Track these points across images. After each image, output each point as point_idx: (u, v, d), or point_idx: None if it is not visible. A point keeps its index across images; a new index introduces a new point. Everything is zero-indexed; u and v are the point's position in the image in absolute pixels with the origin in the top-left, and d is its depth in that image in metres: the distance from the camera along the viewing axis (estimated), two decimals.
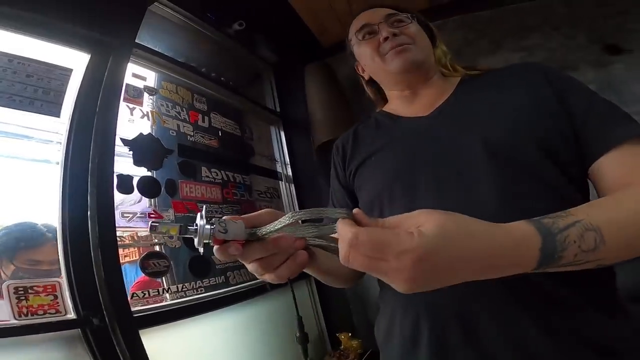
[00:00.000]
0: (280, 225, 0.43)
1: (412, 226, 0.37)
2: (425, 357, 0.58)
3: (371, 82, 0.86)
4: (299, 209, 0.44)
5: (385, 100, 0.86)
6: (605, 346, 0.51)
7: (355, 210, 0.41)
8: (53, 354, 0.90)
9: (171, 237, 0.44)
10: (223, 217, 0.44)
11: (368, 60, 0.77)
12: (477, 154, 0.59)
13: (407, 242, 0.35)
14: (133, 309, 1.10)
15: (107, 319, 0.98)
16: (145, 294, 1.16)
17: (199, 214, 0.43)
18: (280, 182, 2.12)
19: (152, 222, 0.43)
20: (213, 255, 1.44)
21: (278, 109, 2.22)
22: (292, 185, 2.13)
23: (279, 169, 2.14)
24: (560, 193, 0.56)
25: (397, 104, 0.79)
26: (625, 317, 0.56)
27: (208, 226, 0.41)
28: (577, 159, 0.59)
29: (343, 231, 0.38)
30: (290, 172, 2.15)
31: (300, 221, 0.44)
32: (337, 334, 1.85)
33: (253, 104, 2.02)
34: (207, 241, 0.42)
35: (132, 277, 1.24)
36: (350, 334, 1.82)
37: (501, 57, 2.18)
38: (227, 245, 0.43)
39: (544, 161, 0.57)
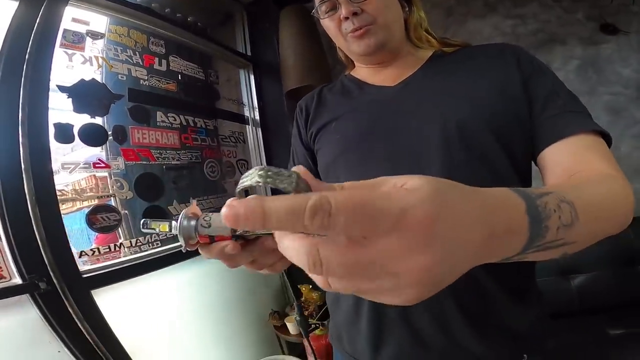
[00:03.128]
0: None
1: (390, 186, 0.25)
2: (366, 327, 0.64)
3: None
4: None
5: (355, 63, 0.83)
6: (516, 331, 0.59)
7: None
8: (7, 320, 0.90)
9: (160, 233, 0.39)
10: (213, 212, 0.38)
11: (331, 35, 0.72)
12: (433, 134, 0.60)
13: (404, 197, 0.22)
14: (84, 267, 1.10)
15: (55, 281, 0.95)
16: (94, 252, 1.15)
17: (184, 211, 0.37)
18: (247, 126, 2.08)
19: (144, 219, 0.40)
20: (170, 205, 1.44)
21: (249, 53, 2.08)
22: (259, 129, 2.09)
23: (247, 113, 2.07)
24: (505, 182, 0.57)
25: (365, 71, 0.77)
26: (537, 302, 0.64)
27: (193, 222, 0.37)
28: (527, 149, 0.60)
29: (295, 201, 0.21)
30: (257, 116, 2.09)
31: None
32: (299, 286, 1.94)
33: (220, 47, 1.87)
34: (193, 239, 0.36)
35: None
36: (311, 286, 1.91)
37: (490, 21, 2.08)
38: (223, 244, 0.37)
39: (497, 149, 0.58)
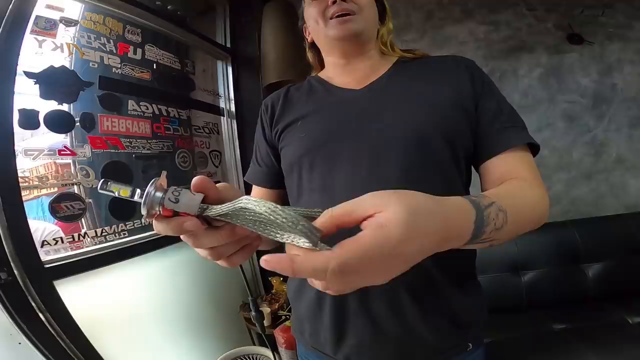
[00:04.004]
0: (233, 207, 0.37)
1: (368, 209, 0.35)
2: (329, 319, 0.68)
3: (313, 47, 0.86)
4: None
5: (323, 66, 0.86)
6: (460, 317, 0.66)
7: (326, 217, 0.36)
8: None
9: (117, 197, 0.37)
10: (182, 188, 0.39)
11: (312, 22, 0.75)
12: (393, 136, 0.65)
13: (389, 234, 0.33)
14: (47, 257, 1.07)
15: (15, 272, 0.94)
16: (57, 241, 1.13)
17: (153, 181, 0.37)
18: (222, 117, 2.07)
19: (104, 179, 0.38)
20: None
21: (228, 44, 2.06)
22: (234, 121, 2.10)
23: (222, 105, 2.06)
24: (452, 183, 0.65)
25: (333, 72, 0.80)
26: (478, 293, 0.72)
27: (159, 194, 0.36)
28: (469, 155, 0.68)
29: (312, 262, 0.33)
30: (233, 108, 2.09)
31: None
32: (270, 278, 1.96)
33: (199, 37, 1.85)
34: (155, 210, 0.37)
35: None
36: (281, 279, 1.93)
37: (466, 27, 2.15)
38: (183, 219, 0.37)
39: (446, 153, 0.64)
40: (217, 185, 0.42)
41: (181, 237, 0.40)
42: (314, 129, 0.72)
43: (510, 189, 0.57)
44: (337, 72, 0.79)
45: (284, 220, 0.34)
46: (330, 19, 0.71)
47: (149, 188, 0.36)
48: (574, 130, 2.09)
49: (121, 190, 0.37)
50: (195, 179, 0.39)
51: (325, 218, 0.35)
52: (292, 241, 0.35)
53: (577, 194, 2.10)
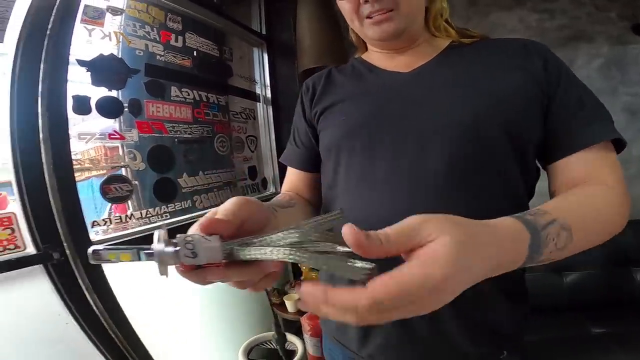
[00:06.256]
0: (270, 256, 0.33)
1: (422, 240, 0.31)
2: None
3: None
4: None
5: (367, 47, 0.80)
6: (503, 329, 0.62)
7: (347, 230, 0.30)
8: (19, 292, 0.90)
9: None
10: (191, 232, 0.36)
11: (347, 18, 0.69)
12: (441, 124, 0.59)
13: (431, 273, 0.30)
14: (96, 238, 1.12)
15: (67, 252, 0.96)
16: (106, 222, 1.19)
17: (156, 234, 0.33)
18: (258, 103, 2.10)
19: (94, 249, 0.32)
20: (180, 178, 1.48)
21: (264, 31, 2.07)
22: (270, 107, 2.13)
23: (258, 91, 2.10)
24: (508, 179, 0.58)
25: (377, 56, 0.75)
26: (524, 301, 0.66)
27: (170, 248, 0.32)
28: (537, 153, 0.61)
29: (343, 298, 0.30)
30: (269, 94, 2.12)
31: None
32: (299, 264, 2.00)
33: (236, 24, 1.87)
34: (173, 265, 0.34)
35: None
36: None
37: (515, 15, 2.02)
38: (204, 272, 0.36)
39: (509, 151, 0.57)
40: (227, 208, 0.40)
41: None
42: (354, 113, 0.67)
43: (582, 199, 0.51)
44: (382, 57, 0.73)
45: (324, 266, 0.31)
46: (367, 17, 0.64)
47: (158, 247, 0.32)
48: (635, 125, 1.95)
49: (121, 256, 0.33)
50: (202, 220, 0.37)
51: (378, 248, 0.30)
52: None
53: (635, 192, 1.95)
